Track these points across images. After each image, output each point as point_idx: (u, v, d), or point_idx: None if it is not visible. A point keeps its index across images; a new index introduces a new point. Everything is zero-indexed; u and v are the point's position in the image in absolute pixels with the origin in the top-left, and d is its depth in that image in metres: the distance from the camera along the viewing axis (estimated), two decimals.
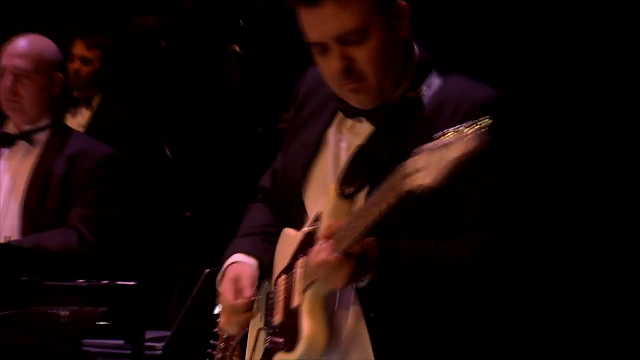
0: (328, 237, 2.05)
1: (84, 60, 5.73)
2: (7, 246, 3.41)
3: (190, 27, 5.19)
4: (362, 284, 2.07)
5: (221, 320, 2.34)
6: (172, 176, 5.25)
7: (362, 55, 2.14)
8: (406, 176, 1.86)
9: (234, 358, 2.48)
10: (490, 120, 1.79)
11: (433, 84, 2.21)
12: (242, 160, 4.89)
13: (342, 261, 2.02)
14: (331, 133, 2.30)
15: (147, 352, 3.45)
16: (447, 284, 2.14)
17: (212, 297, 2.42)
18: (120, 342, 3.50)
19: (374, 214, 1.95)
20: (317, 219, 2.21)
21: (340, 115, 2.29)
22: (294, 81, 2.48)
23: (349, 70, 2.14)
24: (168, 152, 5.16)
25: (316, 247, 2.08)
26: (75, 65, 5.72)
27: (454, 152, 1.78)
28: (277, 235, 2.39)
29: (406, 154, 2.00)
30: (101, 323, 2.61)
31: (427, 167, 1.82)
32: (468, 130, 1.78)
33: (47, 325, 2.64)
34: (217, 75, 5.01)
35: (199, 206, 5.19)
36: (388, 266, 2.05)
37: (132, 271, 3.85)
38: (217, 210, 5.07)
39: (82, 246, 3.62)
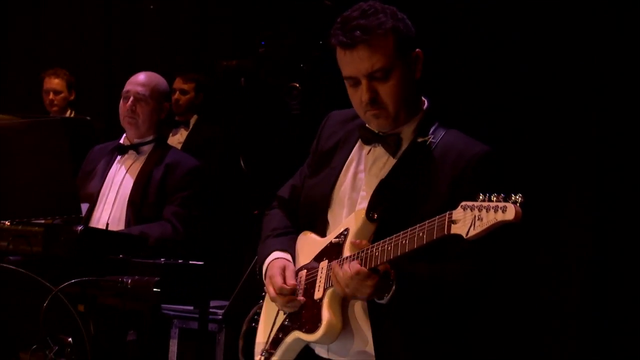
0: (357, 249, 2.03)
1: (182, 92, 5.81)
2: (110, 232, 3.40)
3: (263, 68, 5.19)
4: (383, 301, 2.03)
5: (270, 297, 2.28)
6: (245, 182, 5.26)
7: (384, 89, 2.14)
8: (454, 222, 1.85)
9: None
10: (522, 198, 1.79)
11: (438, 134, 2.19)
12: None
13: (369, 275, 2.00)
14: (352, 159, 2.27)
15: (211, 317, 3.48)
16: (443, 298, 2.10)
17: (260, 278, 2.41)
18: (190, 307, 3.54)
19: (411, 244, 1.93)
20: (344, 233, 2.17)
21: (359, 143, 2.27)
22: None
23: (374, 101, 2.14)
24: (243, 164, 5.17)
25: (347, 263, 2.04)
26: (176, 96, 5.80)
27: (503, 216, 1.78)
28: (295, 234, 2.36)
29: (419, 189, 2.08)
30: (156, 290, 2.59)
31: (473, 220, 1.81)
32: (510, 201, 1.79)
33: (118, 289, 2.65)
34: (282, 106, 4.99)
35: (265, 206, 5.17)
36: (405, 286, 2.02)
37: (210, 255, 3.86)
38: None
39: (175, 235, 3.66)
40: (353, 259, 2.05)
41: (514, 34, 4.15)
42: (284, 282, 2.22)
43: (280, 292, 2.22)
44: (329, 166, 2.30)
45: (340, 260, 2.09)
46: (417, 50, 2.19)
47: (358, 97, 2.15)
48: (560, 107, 4.06)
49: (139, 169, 3.78)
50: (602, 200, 3.93)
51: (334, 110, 2.47)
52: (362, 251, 2.04)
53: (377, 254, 2.01)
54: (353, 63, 2.12)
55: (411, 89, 2.18)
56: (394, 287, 2.01)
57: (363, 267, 2.00)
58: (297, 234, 2.35)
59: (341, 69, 2.19)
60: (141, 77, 3.87)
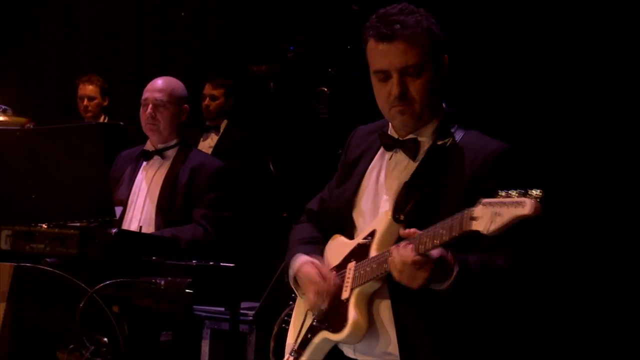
0: (408, 238, 1.99)
1: (212, 97, 5.84)
2: (143, 235, 3.45)
3: (291, 73, 5.21)
4: (440, 287, 1.99)
5: (310, 299, 2.24)
6: (274, 185, 5.28)
7: (415, 86, 2.15)
8: (474, 219, 1.86)
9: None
10: (542, 193, 1.79)
11: (457, 135, 2.20)
12: (326, 174, 4.88)
13: (424, 262, 1.96)
14: (374, 165, 2.29)
15: (242, 318, 3.48)
16: (487, 288, 2.08)
17: (287, 283, 2.40)
18: (222, 309, 3.56)
19: (443, 238, 1.93)
20: (370, 235, 2.18)
21: (382, 150, 2.29)
22: (368, 115, 2.48)
23: (403, 96, 2.14)
24: (272, 168, 5.19)
25: (400, 247, 1.99)
26: (206, 101, 5.84)
27: (521, 211, 1.78)
28: (322, 243, 2.36)
29: (441, 189, 2.09)
30: (188, 291, 2.60)
31: (492, 216, 1.81)
32: (527, 196, 1.79)
33: (152, 290, 2.67)
34: (310, 109, 5.01)
35: (294, 209, 5.19)
36: (462, 272, 1.99)
37: (240, 257, 3.87)
38: None
39: (207, 237, 3.66)
40: (407, 246, 2.00)
41: (541, 37, 4.13)
42: (323, 280, 2.20)
43: (321, 290, 2.21)
44: (353, 174, 2.32)
45: (397, 245, 2.04)
46: (445, 55, 2.21)
47: (386, 91, 2.15)
48: (592, 108, 4.03)
49: (165, 174, 3.78)
50: (632, 199, 3.90)
51: (361, 112, 2.47)
52: (413, 239, 2.00)
53: (423, 241, 1.98)
54: (388, 56, 2.13)
55: (437, 91, 2.19)
56: (455, 271, 1.97)
57: (416, 256, 1.95)
58: (324, 243, 2.36)
59: (372, 63, 2.18)
60: (158, 83, 3.86)
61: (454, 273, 1.97)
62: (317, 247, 2.36)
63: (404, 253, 1.98)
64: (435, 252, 1.96)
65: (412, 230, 2.02)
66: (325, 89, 4.80)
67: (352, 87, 4.69)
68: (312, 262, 2.28)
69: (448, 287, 1.98)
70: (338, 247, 2.31)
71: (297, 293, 2.36)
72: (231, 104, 5.88)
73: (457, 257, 1.99)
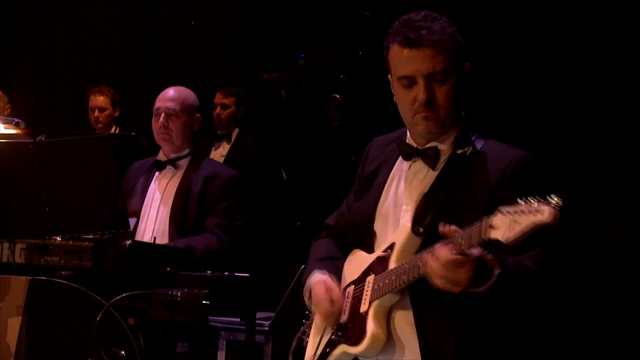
0: (448, 237, 1.94)
1: (223, 106, 5.84)
2: (157, 246, 3.42)
3: (303, 80, 5.21)
4: (481, 289, 1.94)
5: (317, 317, 2.29)
6: (287, 194, 5.27)
7: (441, 92, 2.14)
8: (492, 227, 1.84)
9: None
10: (561, 202, 1.77)
11: (477, 144, 2.19)
12: (340, 182, 4.86)
13: (465, 260, 1.91)
14: (393, 175, 2.28)
15: (257, 328, 3.47)
16: (521, 291, 2.05)
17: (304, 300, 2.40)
18: (237, 319, 3.54)
19: (460, 246, 1.91)
20: (390, 247, 2.17)
21: (400, 160, 2.27)
22: (381, 121, 2.46)
23: (430, 102, 2.13)
24: (285, 175, 5.19)
25: (435, 249, 1.95)
26: (217, 110, 5.84)
27: (540, 219, 1.77)
28: (340, 260, 2.36)
29: (461, 200, 2.07)
30: (205, 302, 2.59)
31: (510, 224, 1.80)
32: (546, 204, 1.77)
33: (168, 302, 2.66)
34: (322, 117, 5.00)
35: (308, 217, 5.19)
36: (503, 273, 1.93)
37: (255, 266, 3.86)
38: (322, 221, 5.08)
39: (221, 246, 3.66)
40: (443, 247, 1.95)
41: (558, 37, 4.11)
42: (331, 304, 2.22)
43: (328, 313, 2.23)
44: (373, 186, 2.30)
45: (432, 251, 1.99)
46: (466, 62, 2.21)
47: (411, 97, 2.14)
48: (607, 110, 4.01)
49: (178, 183, 3.77)
50: None
51: (374, 119, 2.46)
52: (452, 238, 1.96)
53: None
54: (414, 62, 2.12)
55: (460, 98, 2.19)
56: (497, 272, 1.91)
57: (456, 256, 1.90)
58: (343, 259, 2.35)
59: (396, 69, 2.17)
60: (170, 92, 3.87)
61: (495, 274, 1.92)
62: (333, 264, 2.35)
63: (441, 254, 1.93)
64: (475, 251, 1.91)
65: (453, 227, 1.95)
66: (337, 96, 4.80)
67: (364, 93, 4.69)
68: (325, 284, 2.27)
69: (487, 289, 1.92)
70: (357, 261, 2.30)
71: (310, 310, 2.36)
72: (242, 113, 5.88)
73: (497, 258, 1.94)
